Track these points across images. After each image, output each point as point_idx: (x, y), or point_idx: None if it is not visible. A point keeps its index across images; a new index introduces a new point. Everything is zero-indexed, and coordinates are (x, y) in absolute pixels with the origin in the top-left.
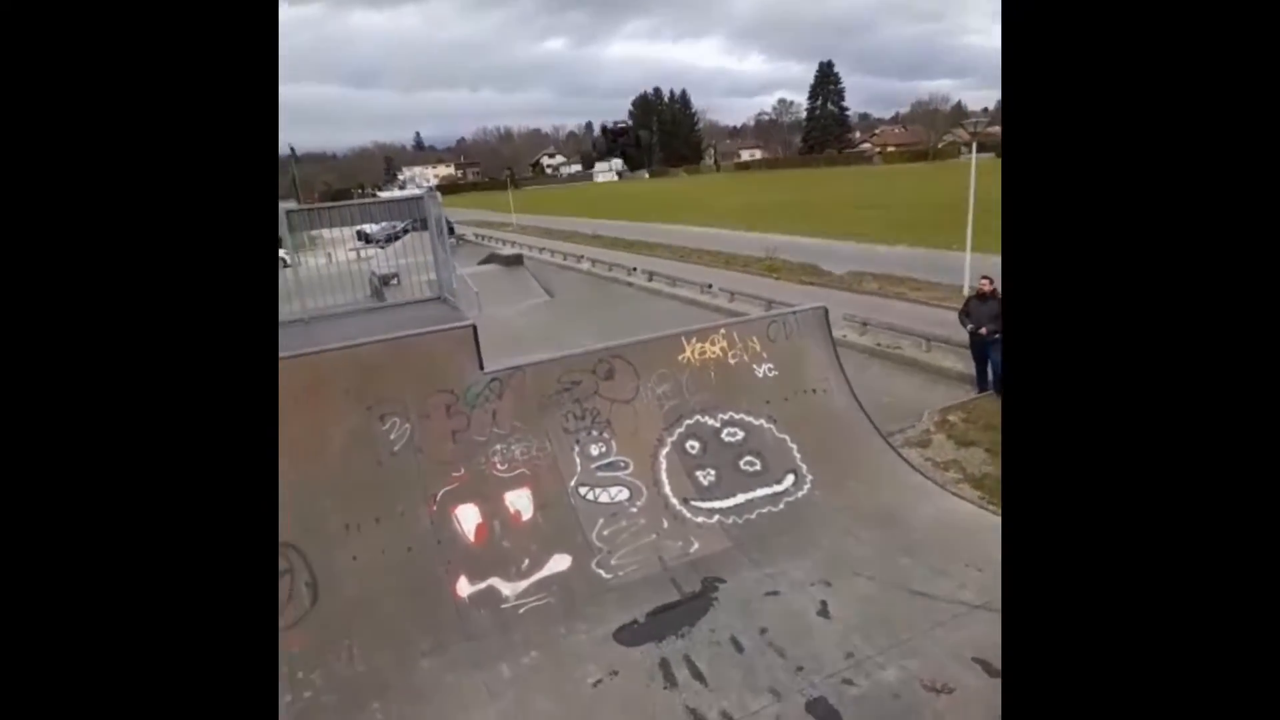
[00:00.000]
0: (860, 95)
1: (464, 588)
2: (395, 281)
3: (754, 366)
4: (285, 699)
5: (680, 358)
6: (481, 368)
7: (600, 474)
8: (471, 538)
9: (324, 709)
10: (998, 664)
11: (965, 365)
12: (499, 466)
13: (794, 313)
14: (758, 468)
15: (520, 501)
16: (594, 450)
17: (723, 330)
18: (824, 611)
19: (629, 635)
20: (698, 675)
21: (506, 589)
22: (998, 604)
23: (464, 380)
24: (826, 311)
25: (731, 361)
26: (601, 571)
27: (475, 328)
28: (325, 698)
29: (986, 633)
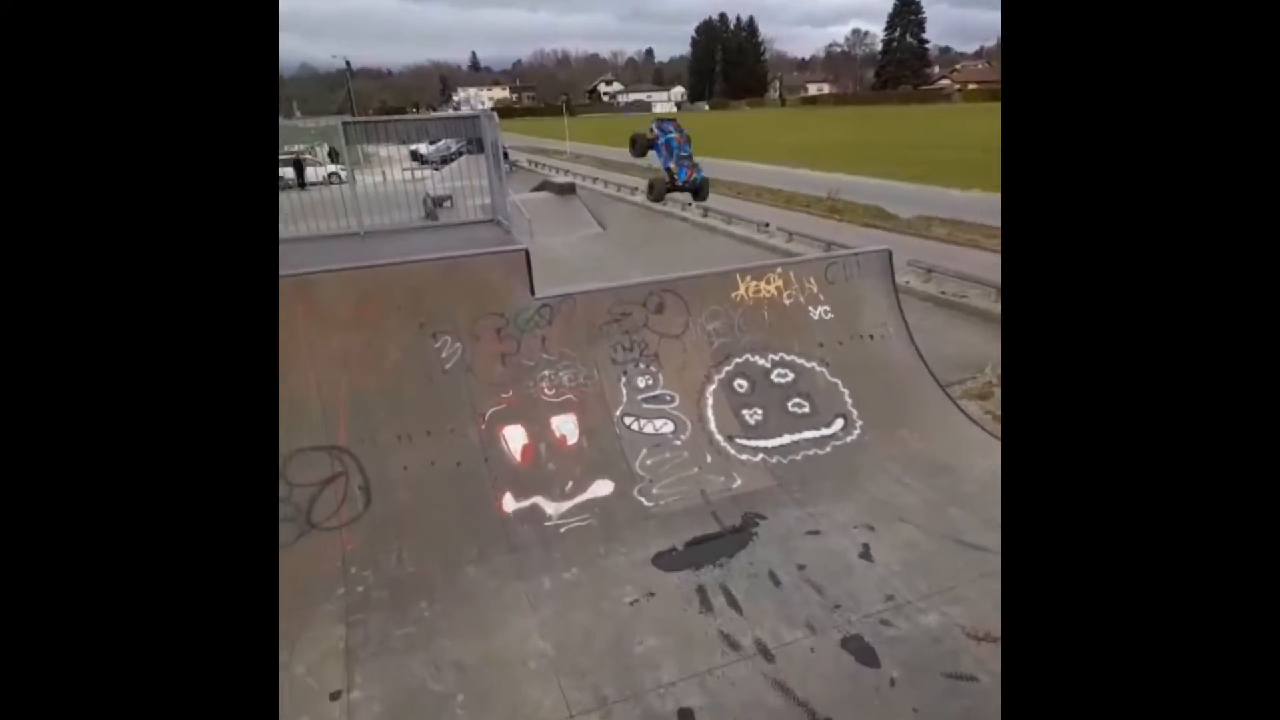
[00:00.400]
0: (942, 26)
1: (509, 504)
2: (448, 204)
3: (809, 308)
4: (339, 591)
5: (733, 295)
6: (533, 293)
7: (646, 406)
8: (518, 458)
9: (375, 603)
10: None
11: None
12: (547, 391)
13: (855, 255)
14: (806, 410)
15: (566, 426)
16: (641, 382)
17: (779, 269)
18: (866, 554)
19: (667, 561)
20: (733, 604)
21: (550, 508)
22: None
23: (515, 304)
24: (890, 255)
25: (786, 302)
26: (643, 499)
27: (528, 252)
28: (376, 593)
29: None
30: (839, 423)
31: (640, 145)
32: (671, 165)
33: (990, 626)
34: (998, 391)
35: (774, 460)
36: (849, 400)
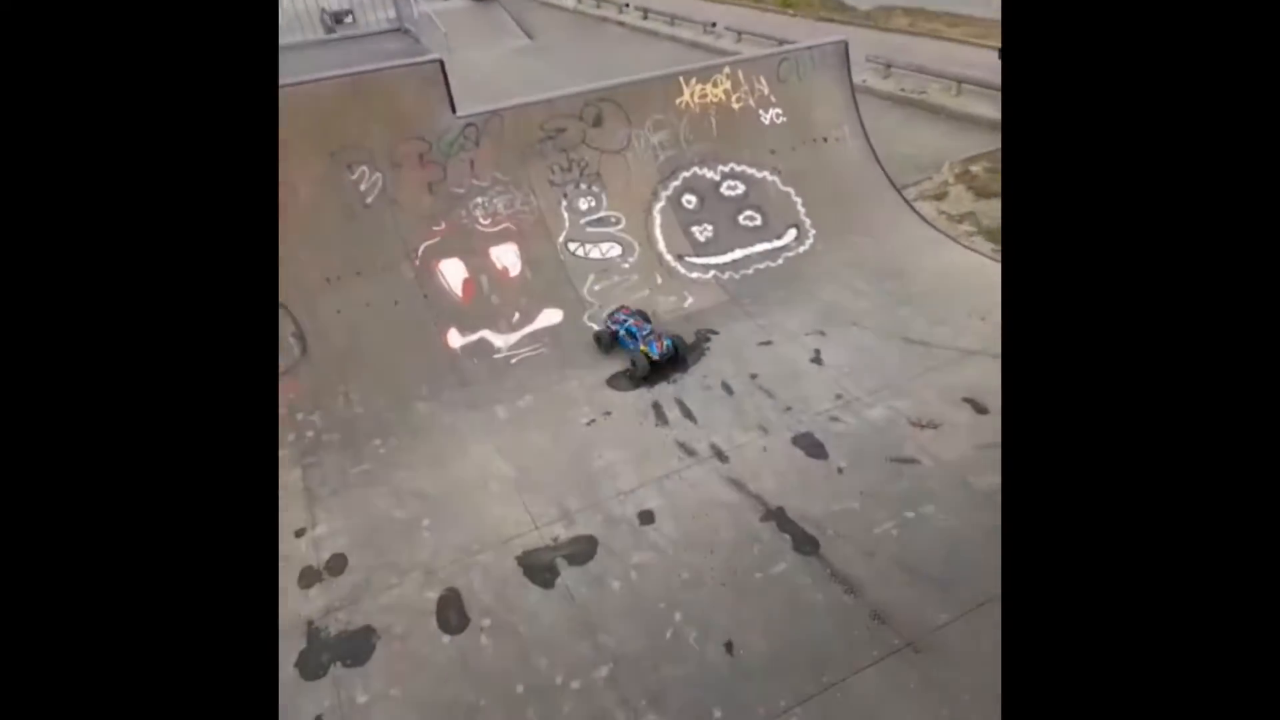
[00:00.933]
0: None
1: (455, 339)
2: (349, 19)
3: (760, 112)
4: (289, 438)
5: (678, 102)
6: (454, 111)
7: (590, 230)
8: (459, 293)
9: (328, 445)
10: (987, 403)
11: (997, 110)
12: (482, 221)
13: (809, 48)
14: (758, 223)
15: (507, 257)
16: (583, 205)
17: (727, 69)
18: (817, 359)
19: (622, 382)
20: (688, 415)
21: (498, 340)
22: (996, 349)
23: (435, 125)
24: (846, 46)
25: (735, 106)
26: (594, 325)
27: (442, 63)
28: (327, 435)
29: (981, 376)
30: (791, 233)
31: (605, 341)
32: (642, 347)
33: (932, 415)
34: (953, 191)
35: (726, 276)
36: (802, 210)
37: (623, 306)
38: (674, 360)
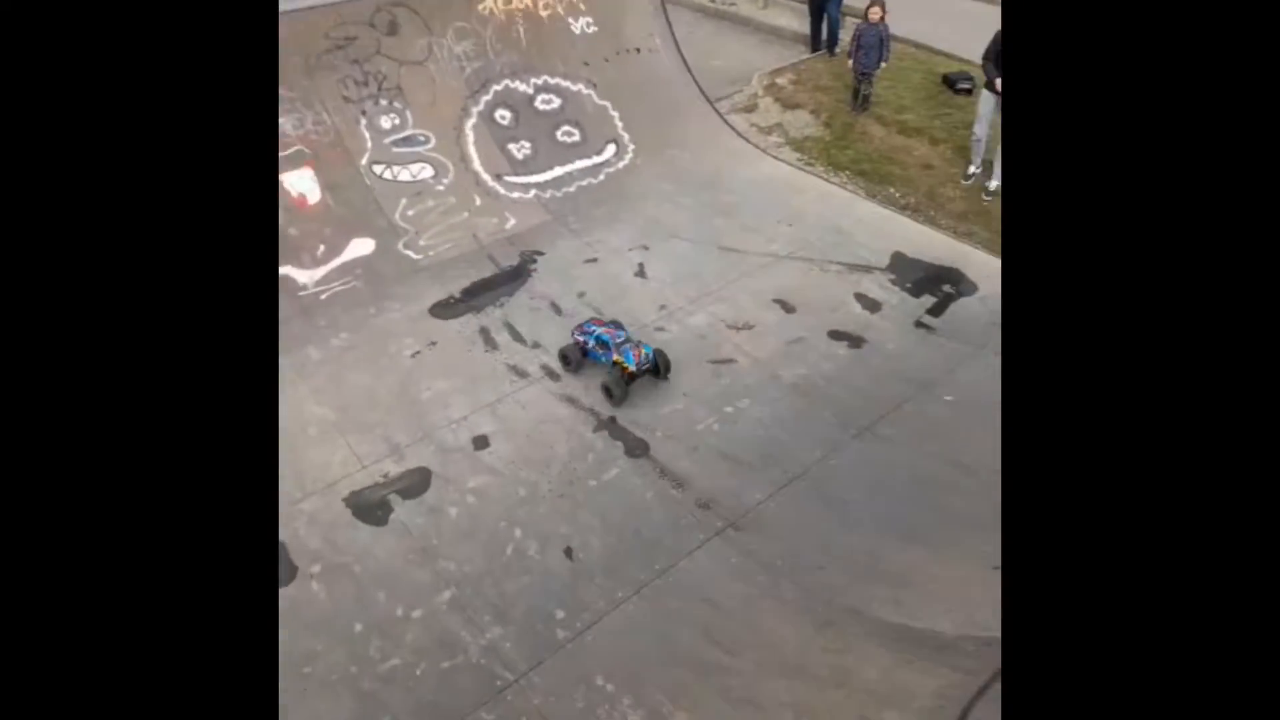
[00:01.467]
0: None
1: None
2: None
3: (570, 20)
4: None
5: (480, 8)
6: None
7: (397, 150)
8: None
9: None
10: (794, 302)
11: (802, 24)
12: None
13: None
14: (576, 139)
15: (302, 184)
16: (385, 123)
17: None
18: (641, 273)
19: (445, 310)
20: (518, 338)
21: (302, 276)
22: (803, 253)
23: None
24: None
25: (543, 14)
26: (410, 253)
27: None
28: None
29: (788, 277)
30: (610, 149)
31: (574, 361)
32: (616, 357)
33: (746, 318)
34: (762, 103)
35: (547, 195)
36: (619, 123)
37: (592, 318)
38: (655, 372)
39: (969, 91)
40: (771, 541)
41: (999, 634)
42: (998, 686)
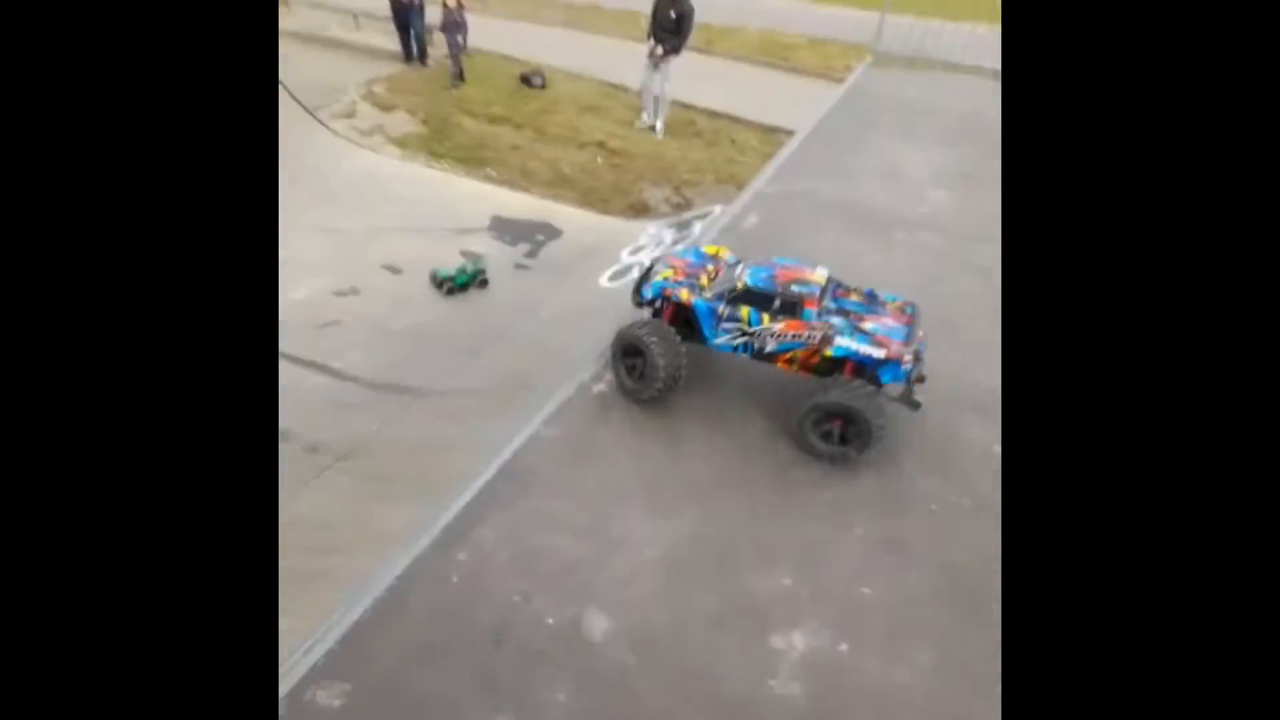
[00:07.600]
0: None
1: None
2: None
3: None
4: None
5: None
6: None
7: None
8: None
9: None
10: (401, 265)
11: (393, 41)
12: None
13: None
14: None
15: None
16: None
17: None
18: None
19: None
20: None
21: None
22: (407, 225)
23: None
24: None
25: None
26: None
27: None
28: None
29: (394, 248)
30: None
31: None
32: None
33: (355, 284)
34: (361, 108)
35: None
36: None
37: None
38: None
39: (542, 86)
40: (380, 462)
41: None
42: None
